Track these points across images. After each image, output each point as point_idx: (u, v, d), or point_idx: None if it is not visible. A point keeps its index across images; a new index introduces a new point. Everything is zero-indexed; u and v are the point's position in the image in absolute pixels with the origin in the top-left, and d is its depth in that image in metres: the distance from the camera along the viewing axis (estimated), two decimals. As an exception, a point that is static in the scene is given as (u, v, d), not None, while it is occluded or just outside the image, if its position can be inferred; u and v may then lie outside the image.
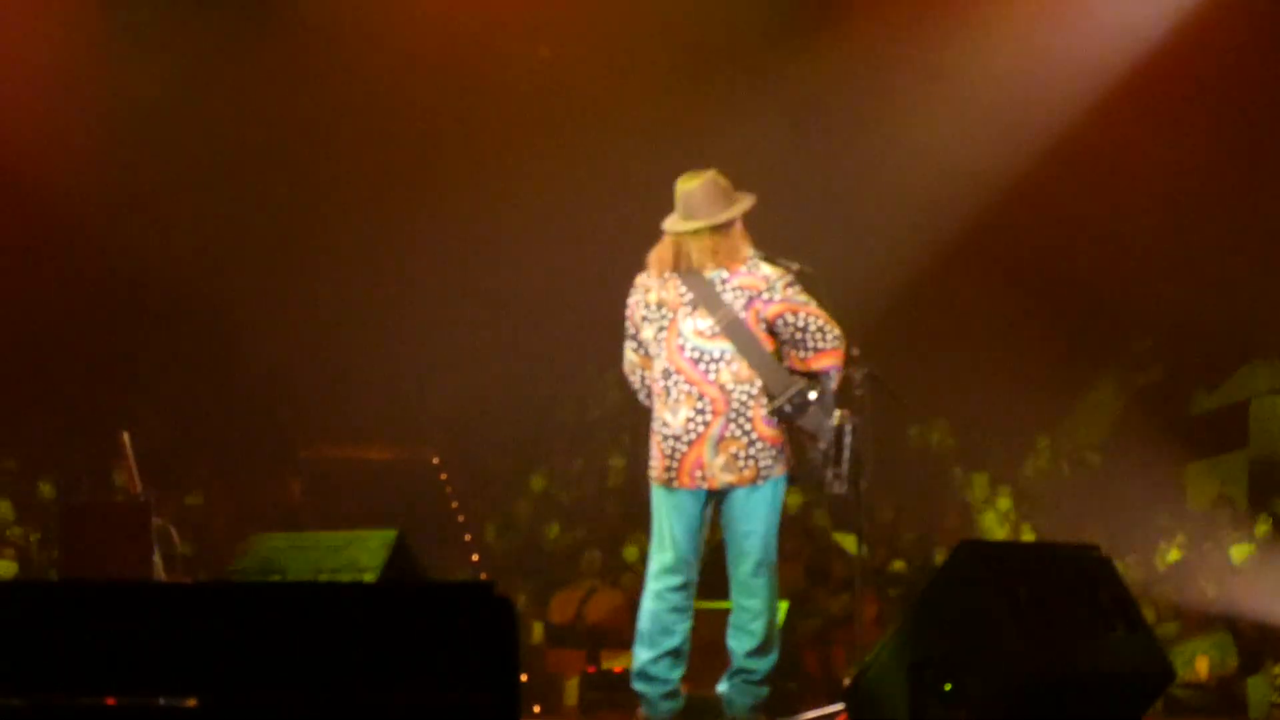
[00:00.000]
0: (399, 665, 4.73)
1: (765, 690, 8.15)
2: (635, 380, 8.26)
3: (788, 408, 7.95)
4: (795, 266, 8.30)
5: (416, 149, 16.72)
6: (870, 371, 8.32)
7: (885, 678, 7.33)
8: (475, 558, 15.81)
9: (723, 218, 8.04)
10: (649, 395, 8.19)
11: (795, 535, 15.26)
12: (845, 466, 8.16)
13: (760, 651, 8.08)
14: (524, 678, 12.42)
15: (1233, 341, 15.99)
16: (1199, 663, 13.20)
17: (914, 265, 15.95)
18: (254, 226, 16.65)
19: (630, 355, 8.23)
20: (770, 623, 8.08)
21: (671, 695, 8.14)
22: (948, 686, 7.12)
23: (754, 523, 8.02)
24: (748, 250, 8.07)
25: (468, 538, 16.29)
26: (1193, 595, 13.68)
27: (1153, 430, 15.43)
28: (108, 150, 15.88)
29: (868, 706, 7.40)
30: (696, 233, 8.04)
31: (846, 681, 7.90)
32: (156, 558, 10.34)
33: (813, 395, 7.95)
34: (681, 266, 8.05)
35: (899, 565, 14.38)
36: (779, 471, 8.02)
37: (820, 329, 7.98)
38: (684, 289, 8.03)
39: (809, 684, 12.31)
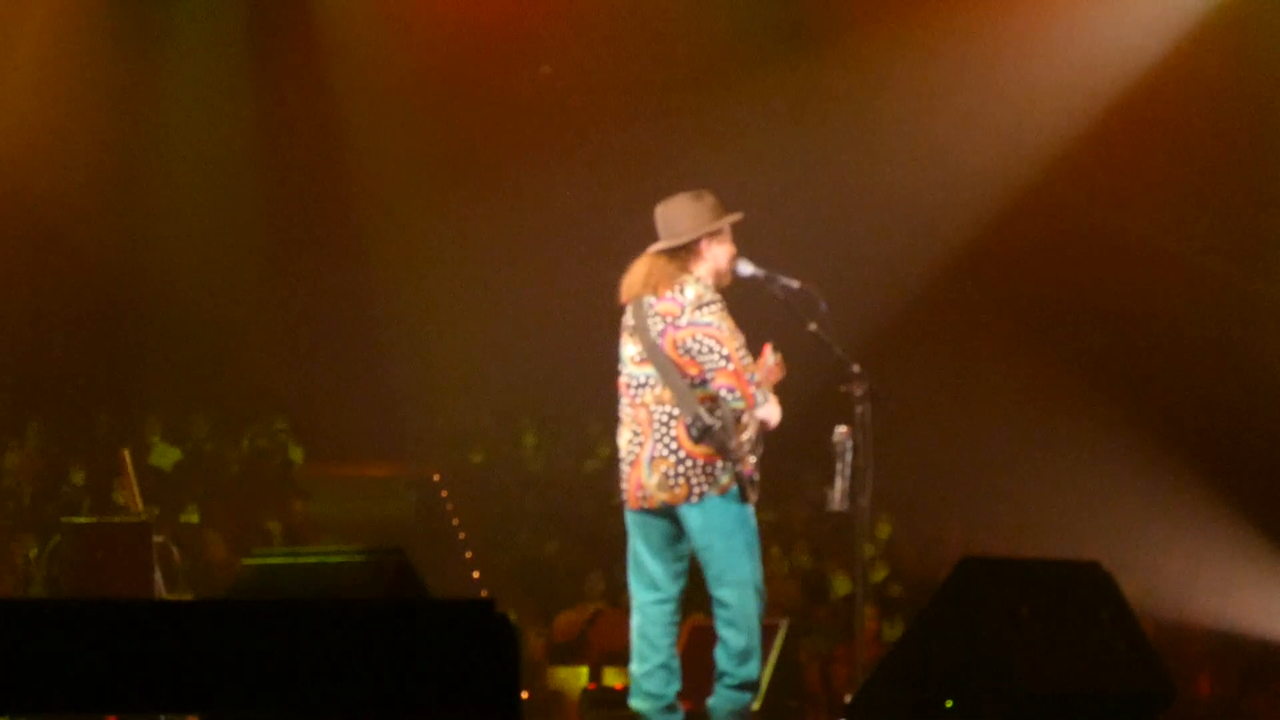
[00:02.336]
0: (400, 682, 4.72)
1: (747, 697, 8.23)
2: None
3: (693, 433, 8.02)
4: (796, 285, 8.35)
5: (419, 164, 16.73)
6: (870, 389, 8.33)
7: (887, 695, 7.33)
8: (476, 575, 15.80)
9: (666, 244, 8.16)
10: None
11: (797, 553, 15.26)
12: (846, 483, 8.20)
13: (735, 657, 8.15)
14: (525, 695, 12.41)
15: (1227, 352, 16.01)
16: (1200, 679, 13.20)
17: (915, 280, 15.96)
18: (256, 244, 16.67)
19: None
20: (744, 631, 8.15)
21: (669, 710, 8.21)
22: (949, 703, 7.12)
23: (705, 537, 8.09)
24: (686, 275, 8.14)
25: (468, 555, 16.29)
26: (1194, 611, 13.68)
27: (1153, 444, 15.44)
28: (109, 166, 15.89)
29: (869, 723, 7.40)
30: (650, 257, 8.20)
31: (848, 698, 7.90)
32: (157, 575, 10.35)
33: (710, 421, 7.98)
34: (634, 296, 8.20)
35: (900, 582, 14.37)
36: (718, 490, 8.06)
37: (711, 350, 8.01)
38: (629, 316, 8.20)
39: (811, 701, 12.30)
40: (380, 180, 16.85)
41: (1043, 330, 16.36)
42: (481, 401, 17.40)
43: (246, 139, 16.31)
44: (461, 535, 16.76)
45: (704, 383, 8.03)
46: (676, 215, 8.23)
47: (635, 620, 8.28)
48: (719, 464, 8.05)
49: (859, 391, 8.31)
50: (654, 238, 8.26)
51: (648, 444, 8.10)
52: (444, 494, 17.42)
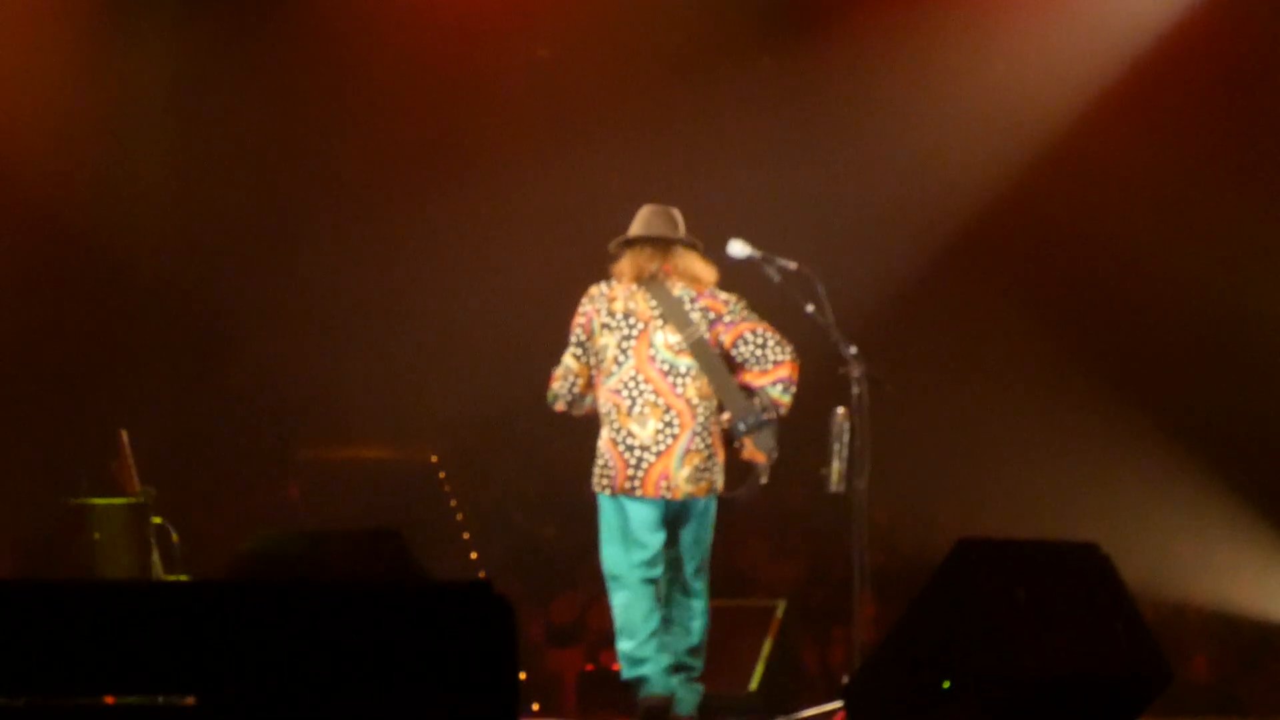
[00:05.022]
0: (398, 664, 4.73)
1: (702, 688, 8.42)
2: (565, 386, 8.47)
3: (741, 426, 8.20)
4: (793, 266, 8.38)
5: (413, 149, 16.70)
6: (867, 371, 8.34)
7: (884, 677, 7.34)
8: (474, 556, 15.81)
9: (697, 243, 8.34)
10: (572, 403, 8.47)
11: (795, 534, 15.28)
12: (844, 465, 8.24)
13: (699, 650, 8.38)
14: (523, 676, 12.43)
15: (1229, 334, 16.00)
16: (1197, 662, 13.22)
17: (910, 265, 15.95)
18: (252, 227, 16.64)
19: (571, 363, 8.44)
20: (706, 621, 8.38)
21: (669, 670, 8.29)
22: (946, 685, 7.13)
23: (704, 531, 8.31)
24: (713, 279, 8.33)
25: (466, 536, 16.30)
26: (1193, 594, 13.69)
27: (1153, 426, 15.45)
28: (104, 151, 15.87)
29: (866, 705, 7.41)
30: (686, 245, 8.29)
31: (845, 680, 7.92)
32: (155, 556, 10.36)
33: (768, 416, 8.20)
34: (650, 277, 8.22)
35: (897, 564, 14.38)
36: (720, 487, 8.32)
37: (778, 343, 8.21)
38: (653, 302, 8.19)
39: (807, 682, 12.32)
40: (377, 163, 16.82)
41: (1042, 312, 16.35)
42: (479, 383, 17.38)
43: (239, 125, 16.27)
44: (459, 517, 16.76)
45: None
46: (678, 221, 8.37)
47: (628, 597, 8.33)
48: (722, 464, 8.24)
49: (856, 373, 8.33)
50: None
51: (684, 436, 8.15)
52: (441, 475, 17.41)
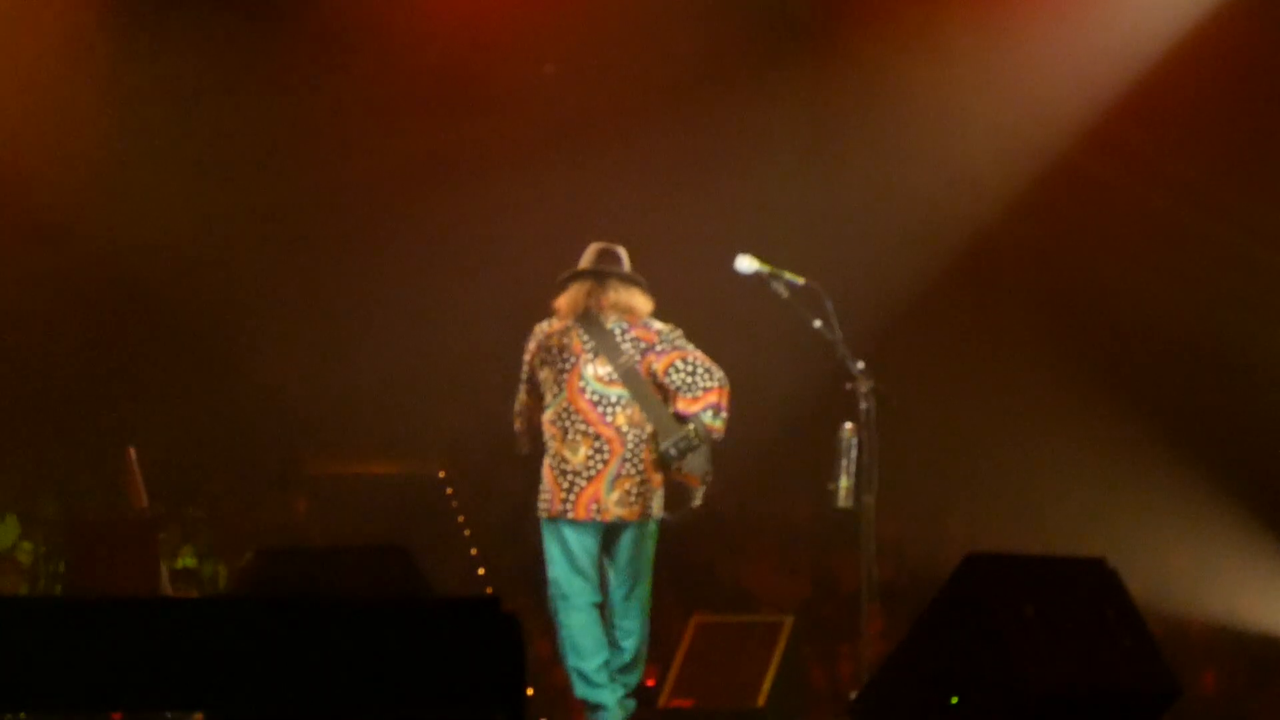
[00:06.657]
0: (407, 679, 4.73)
1: (634, 704, 8.65)
2: (521, 422, 8.75)
3: (673, 451, 8.42)
4: (801, 281, 8.41)
5: (421, 163, 16.71)
6: (874, 386, 8.35)
7: (891, 692, 7.33)
8: (481, 572, 15.80)
9: (635, 278, 8.64)
10: (529, 438, 8.72)
11: (801, 550, 15.26)
12: (851, 480, 8.27)
13: (632, 666, 8.66)
14: (530, 692, 12.41)
15: (1231, 359, 16.00)
16: (1206, 677, 13.20)
17: (918, 281, 15.95)
18: (260, 241, 16.65)
19: (524, 398, 8.73)
20: (642, 641, 8.66)
21: (629, 696, 8.50)
22: (954, 700, 7.12)
23: (642, 554, 8.56)
24: (647, 310, 8.57)
25: (474, 552, 16.29)
26: (1200, 609, 13.67)
27: (1161, 441, 15.44)
28: (112, 167, 15.88)
29: (874, 720, 7.40)
30: (621, 279, 8.60)
31: (852, 695, 7.91)
32: (163, 572, 10.37)
33: (696, 441, 8.40)
34: (585, 312, 8.57)
35: (904, 579, 14.37)
36: (658, 511, 8.52)
37: (707, 370, 8.43)
38: (585, 336, 8.54)
39: (815, 699, 12.31)
40: (384, 178, 16.82)
41: (1049, 328, 16.35)
42: (486, 397, 17.38)
43: (244, 141, 16.28)
44: (467, 533, 16.75)
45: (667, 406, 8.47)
46: (622, 257, 8.67)
47: (581, 622, 8.63)
48: (660, 490, 8.45)
49: (863, 389, 8.35)
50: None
51: (614, 462, 8.42)
52: (449, 491, 17.41)
